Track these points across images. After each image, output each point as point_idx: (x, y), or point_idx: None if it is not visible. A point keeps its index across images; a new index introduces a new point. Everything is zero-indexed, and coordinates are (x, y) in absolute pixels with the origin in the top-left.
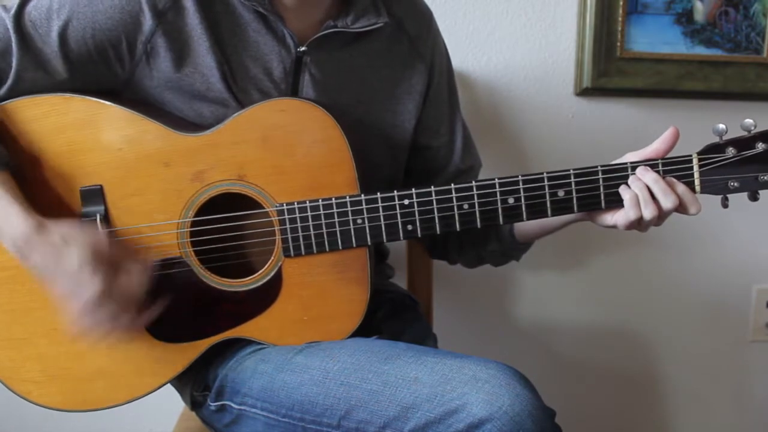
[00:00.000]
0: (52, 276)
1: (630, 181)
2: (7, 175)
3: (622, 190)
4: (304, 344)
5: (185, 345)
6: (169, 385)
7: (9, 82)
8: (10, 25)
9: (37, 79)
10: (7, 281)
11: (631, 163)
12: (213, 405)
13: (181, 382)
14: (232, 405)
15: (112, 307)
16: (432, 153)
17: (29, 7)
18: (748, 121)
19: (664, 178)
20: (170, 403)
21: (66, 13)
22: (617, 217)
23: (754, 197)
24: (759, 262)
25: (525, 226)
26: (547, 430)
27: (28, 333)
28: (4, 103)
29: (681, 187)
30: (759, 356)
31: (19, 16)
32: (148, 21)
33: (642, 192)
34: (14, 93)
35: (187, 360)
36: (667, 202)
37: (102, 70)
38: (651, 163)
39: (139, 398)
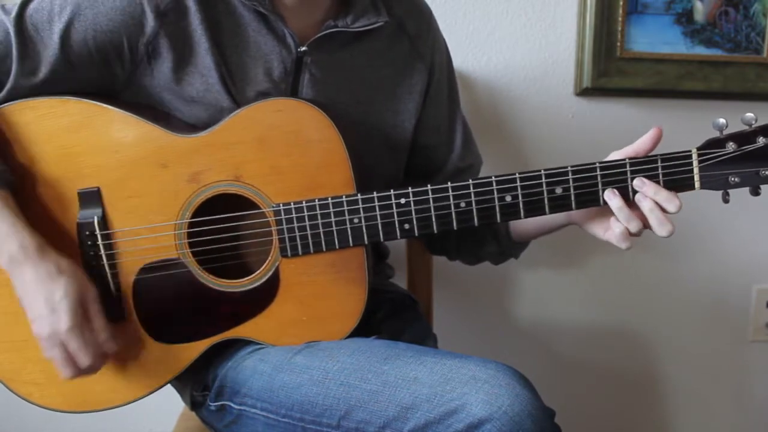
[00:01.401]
0: (33, 296)
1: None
2: (8, 194)
3: (613, 222)
4: (304, 344)
5: (184, 346)
6: (169, 385)
7: (8, 86)
8: (11, 28)
9: (34, 85)
10: (7, 284)
11: (630, 159)
12: (213, 405)
13: (180, 382)
14: (232, 405)
15: (69, 349)
16: (430, 152)
17: (30, 10)
18: (749, 115)
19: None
20: (170, 403)
21: (67, 14)
22: (608, 236)
23: (755, 192)
24: (759, 262)
25: (521, 226)
26: (546, 430)
27: (29, 335)
28: (0, 107)
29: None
30: (759, 356)
31: (20, 19)
32: (150, 22)
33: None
34: (12, 97)
35: (187, 360)
36: (663, 230)
37: (102, 70)
38: (650, 160)
39: (139, 399)
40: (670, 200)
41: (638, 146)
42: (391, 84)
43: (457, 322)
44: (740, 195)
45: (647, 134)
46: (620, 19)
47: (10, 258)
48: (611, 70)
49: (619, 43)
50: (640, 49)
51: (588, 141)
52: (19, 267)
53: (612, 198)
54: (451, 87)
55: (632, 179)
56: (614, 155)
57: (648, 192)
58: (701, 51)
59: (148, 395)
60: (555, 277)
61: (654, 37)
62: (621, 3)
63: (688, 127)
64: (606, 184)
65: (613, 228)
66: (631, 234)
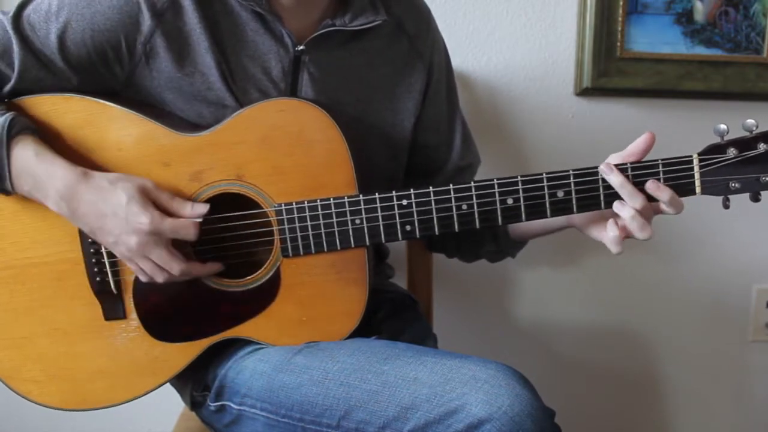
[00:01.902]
0: (100, 219)
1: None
2: (38, 140)
3: (609, 226)
4: (304, 344)
5: (184, 345)
6: (169, 385)
7: (12, 81)
8: (9, 27)
9: (40, 78)
10: (7, 281)
11: (632, 164)
12: (213, 405)
13: (180, 382)
14: (232, 405)
15: (162, 246)
16: (431, 151)
17: (28, 10)
18: (750, 121)
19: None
20: (170, 403)
21: (64, 15)
22: (602, 237)
23: (755, 198)
24: (759, 262)
25: (520, 227)
26: (546, 430)
27: (29, 332)
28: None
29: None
30: (759, 356)
31: (17, 19)
32: (146, 21)
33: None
34: (18, 92)
35: (186, 360)
36: (644, 234)
37: (102, 71)
38: (651, 164)
39: (139, 398)
40: (676, 206)
41: (631, 150)
42: (389, 83)
43: (457, 322)
44: (740, 195)
45: (639, 139)
46: (620, 19)
47: (60, 196)
48: (611, 70)
49: (619, 43)
50: (640, 49)
51: (588, 141)
52: (72, 201)
53: (608, 174)
54: (450, 87)
55: (638, 183)
56: (612, 158)
57: (663, 197)
58: (701, 51)
59: (147, 394)
60: (555, 277)
61: (654, 37)
62: (621, 3)
63: (688, 127)
64: (608, 188)
65: (608, 231)
66: (628, 227)
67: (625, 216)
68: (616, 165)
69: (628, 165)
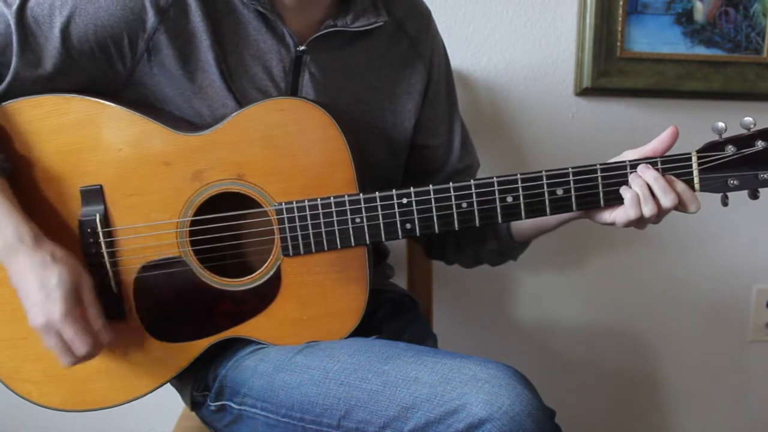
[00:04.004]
0: (28, 284)
1: (630, 178)
2: (5, 183)
3: (623, 190)
4: (304, 344)
5: (184, 345)
6: (169, 385)
7: (8, 78)
8: (12, 21)
9: (37, 78)
10: (7, 280)
11: (630, 161)
12: (213, 405)
13: (181, 382)
14: (232, 405)
15: (65, 337)
16: (430, 152)
17: (31, 3)
18: (748, 119)
19: (663, 175)
20: (170, 403)
21: (68, 9)
22: (616, 215)
23: (754, 195)
24: (759, 262)
25: (522, 225)
26: (546, 430)
27: (28, 333)
28: (5, 104)
29: (680, 185)
30: (759, 356)
31: (21, 12)
32: (150, 18)
33: (642, 190)
34: (11, 89)
35: (187, 360)
36: (666, 200)
37: (103, 66)
38: (650, 162)
39: (139, 398)
40: (665, 192)
41: (655, 146)
42: (390, 84)
43: (457, 322)
44: (739, 195)
45: (664, 133)
46: (620, 19)
47: (6, 245)
48: (611, 70)
49: (619, 43)
50: (640, 49)
51: (588, 141)
52: (14, 255)
53: (627, 191)
54: (449, 89)
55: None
56: (628, 154)
57: (648, 177)
58: (701, 51)
59: (147, 394)
60: (555, 277)
61: (654, 37)
62: (621, 3)
63: (687, 126)
64: (606, 186)
65: (624, 194)
66: (641, 219)
67: (648, 178)
68: (612, 162)
69: (627, 162)
